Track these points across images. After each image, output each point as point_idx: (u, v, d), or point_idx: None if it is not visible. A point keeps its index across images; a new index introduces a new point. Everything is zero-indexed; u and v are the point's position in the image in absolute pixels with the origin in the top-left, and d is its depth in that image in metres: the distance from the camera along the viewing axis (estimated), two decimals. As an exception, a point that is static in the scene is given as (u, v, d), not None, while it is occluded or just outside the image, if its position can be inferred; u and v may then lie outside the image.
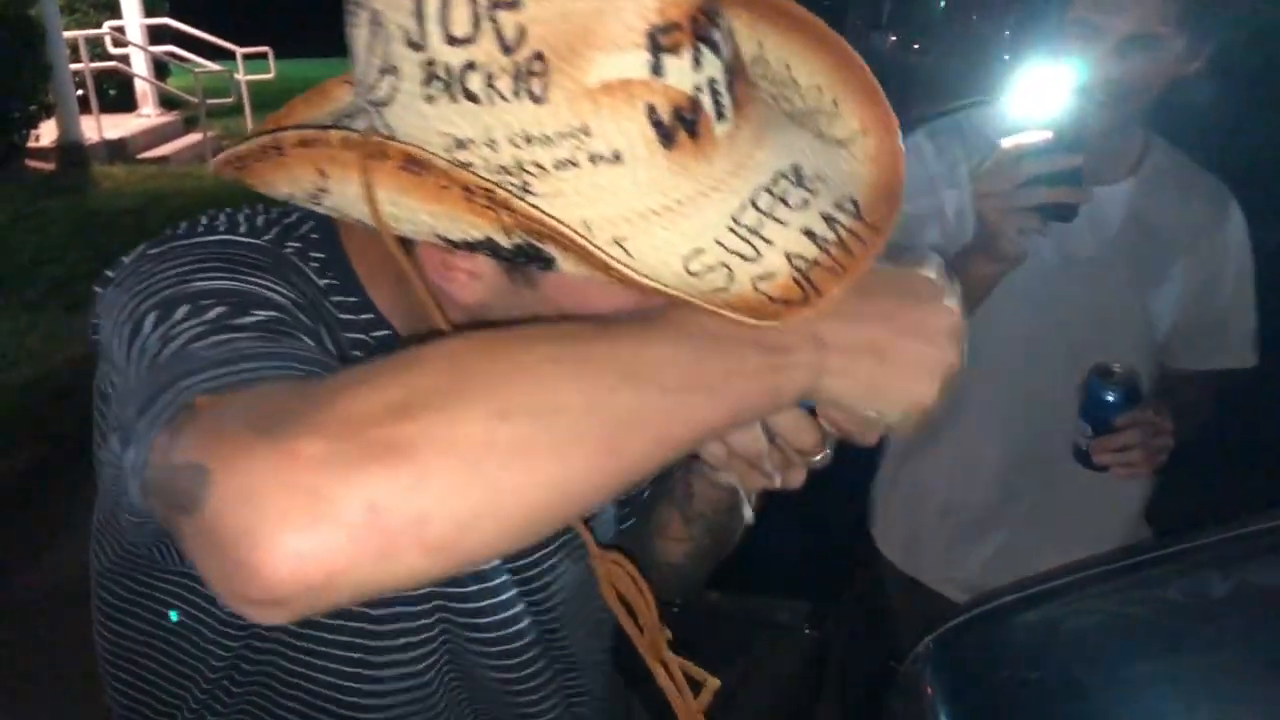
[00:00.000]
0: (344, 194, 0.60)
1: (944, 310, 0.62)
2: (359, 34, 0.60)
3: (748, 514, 0.80)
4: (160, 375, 0.56)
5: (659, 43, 0.56)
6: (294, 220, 0.76)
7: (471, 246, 0.58)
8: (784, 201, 0.59)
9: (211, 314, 0.60)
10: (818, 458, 0.69)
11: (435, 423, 0.46)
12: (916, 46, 5.54)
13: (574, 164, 0.56)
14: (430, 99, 0.57)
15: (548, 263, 0.58)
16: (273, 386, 0.53)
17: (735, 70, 0.61)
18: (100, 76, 10.01)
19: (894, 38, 5.76)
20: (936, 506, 1.76)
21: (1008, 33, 4.20)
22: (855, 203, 0.62)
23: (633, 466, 0.51)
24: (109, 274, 0.70)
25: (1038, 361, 1.58)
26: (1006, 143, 1.26)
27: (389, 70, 0.59)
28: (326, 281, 0.75)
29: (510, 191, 0.55)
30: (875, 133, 0.65)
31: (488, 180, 0.55)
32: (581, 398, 0.49)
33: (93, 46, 10.04)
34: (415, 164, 0.56)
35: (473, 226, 0.57)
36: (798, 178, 0.61)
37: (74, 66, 9.31)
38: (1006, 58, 3.76)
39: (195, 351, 0.57)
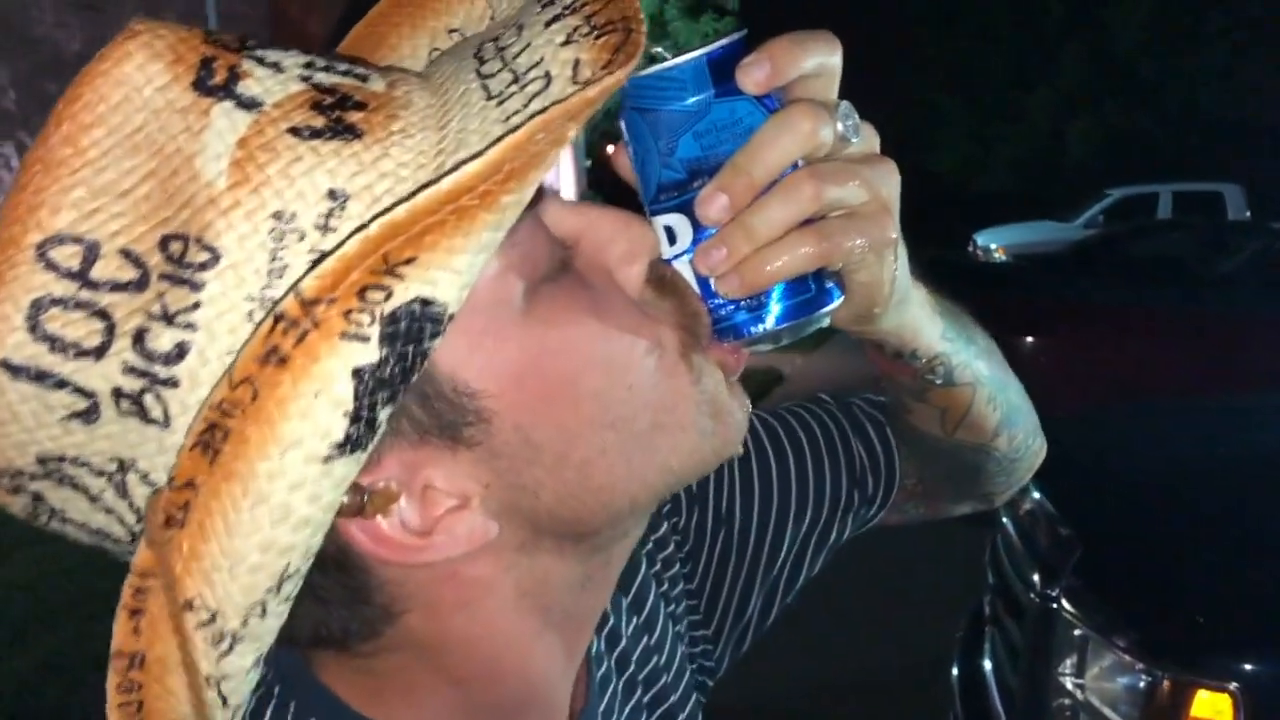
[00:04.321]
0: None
1: None
2: (70, 503, 0.49)
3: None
4: None
5: (215, 84, 0.45)
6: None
7: (370, 422, 0.44)
8: (501, 50, 0.49)
9: None
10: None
11: None
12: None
13: (328, 229, 0.45)
14: (156, 421, 0.46)
15: (432, 321, 0.44)
16: None
17: (333, 58, 0.51)
18: None
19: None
20: None
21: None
22: None
23: None
24: None
25: None
26: None
27: (118, 467, 0.48)
28: None
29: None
30: None
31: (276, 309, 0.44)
32: None
33: None
34: (204, 436, 0.44)
35: (326, 381, 0.42)
36: (495, 37, 0.51)
37: None
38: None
39: None
